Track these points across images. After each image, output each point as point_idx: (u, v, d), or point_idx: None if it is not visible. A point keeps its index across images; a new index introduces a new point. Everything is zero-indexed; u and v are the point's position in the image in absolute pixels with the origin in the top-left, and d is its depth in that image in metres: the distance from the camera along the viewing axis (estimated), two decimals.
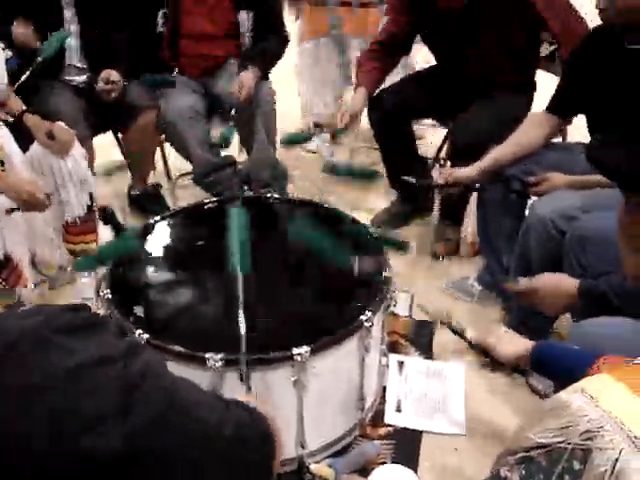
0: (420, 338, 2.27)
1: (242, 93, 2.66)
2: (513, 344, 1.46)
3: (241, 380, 1.50)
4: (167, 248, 1.99)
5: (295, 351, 1.52)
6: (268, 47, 2.86)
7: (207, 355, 1.50)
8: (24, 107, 2.34)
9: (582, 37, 2.11)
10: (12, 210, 2.09)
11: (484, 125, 2.45)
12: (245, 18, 2.84)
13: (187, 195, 3.08)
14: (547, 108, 2.19)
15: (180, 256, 1.95)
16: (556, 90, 2.18)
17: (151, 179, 3.08)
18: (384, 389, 2.01)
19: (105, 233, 2.68)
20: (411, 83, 2.81)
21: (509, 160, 2.18)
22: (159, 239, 2.01)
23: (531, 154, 2.17)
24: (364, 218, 2.60)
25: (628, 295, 1.48)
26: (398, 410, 1.97)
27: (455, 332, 1.70)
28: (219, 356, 1.50)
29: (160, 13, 2.80)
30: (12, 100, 2.33)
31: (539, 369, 1.43)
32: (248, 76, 2.71)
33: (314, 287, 1.84)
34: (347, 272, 1.81)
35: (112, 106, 2.70)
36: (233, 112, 2.77)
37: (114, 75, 2.64)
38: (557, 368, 1.34)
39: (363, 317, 1.64)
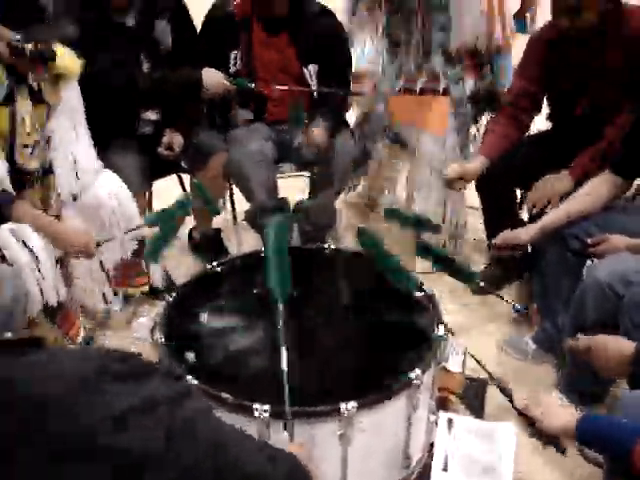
0: (471, 396, 2.24)
1: (315, 143, 2.76)
2: (559, 416, 1.43)
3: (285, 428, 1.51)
4: (222, 295, 2.02)
5: (342, 405, 1.53)
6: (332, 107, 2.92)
7: (255, 405, 1.52)
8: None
9: None
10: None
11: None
12: (311, 71, 2.92)
13: (251, 240, 3.15)
14: (611, 168, 2.17)
15: (235, 303, 1.98)
16: (622, 150, 2.16)
17: (216, 223, 3.16)
18: (432, 445, 1.99)
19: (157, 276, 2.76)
20: (522, 148, 2.68)
21: (569, 220, 2.16)
22: (216, 285, 2.06)
23: (592, 214, 2.15)
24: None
25: None
26: (444, 469, 1.94)
27: (504, 393, 1.68)
28: (266, 407, 1.51)
29: (232, 54, 2.88)
30: None
31: (585, 442, 1.39)
32: (319, 129, 2.78)
33: (364, 339, 1.84)
34: (399, 325, 1.82)
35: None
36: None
37: (176, 141, 2.73)
38: (603, 441, 1.30)
39: (412, 375, 1.64)
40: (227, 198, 3.16)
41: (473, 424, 2.12)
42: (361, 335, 1.87)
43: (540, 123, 2.80)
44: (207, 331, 1.87)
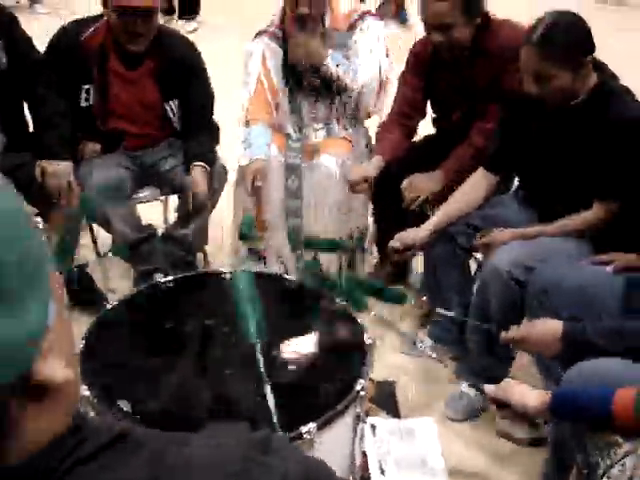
0: (383, 398, 2.29)
1: (198, 199, 2.67)
2: (532, 397, 1.52)
3: None
4: (135, 335, 1.90)
5: (303, 429, 1.50)
6: (202, 146, 2.81)
7: None
8: None
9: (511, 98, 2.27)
10: None
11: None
12: (172, 106, 2.81)
13: (118, 270, 3.02)
14: (484, 166, 2.33)
15: (150, 340, 1.87)
16: (490, 149, 2.33)
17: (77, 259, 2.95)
18: (364, 454, 2.01)
19: None
20: (411, 152, 2.76)
21: (456, 218, 2.29)
22: (122, 326, 1.93)
23: (474, 210, 2.30)
24: None
25: (613, 335, 1.59)
26: (382, 473, 1.97)
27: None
28: None
29: (83, 88, 2.68)
30: None
31: (560, 416, 1.49)
32: (198, 180, 2.67)
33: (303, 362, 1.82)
34: (330, 343, 1.82)
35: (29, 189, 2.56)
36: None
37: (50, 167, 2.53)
38: (578, 411, 1.41)
39: (358, 387, 1.64)
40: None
41: (394, 425, 2.18)
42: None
43: (427, 128, 2.92)
44: (131, 374, 1.74)
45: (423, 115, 2.81)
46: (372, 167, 2.64)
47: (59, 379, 0.49)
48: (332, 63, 2.74)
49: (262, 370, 1.58)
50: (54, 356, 0.49)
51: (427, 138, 2.89)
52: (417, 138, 2.89)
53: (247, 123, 2.89)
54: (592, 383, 1.47)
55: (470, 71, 2.50)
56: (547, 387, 1.98)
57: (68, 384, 0.49)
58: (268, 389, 1.52)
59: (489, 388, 1.65)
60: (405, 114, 2.71)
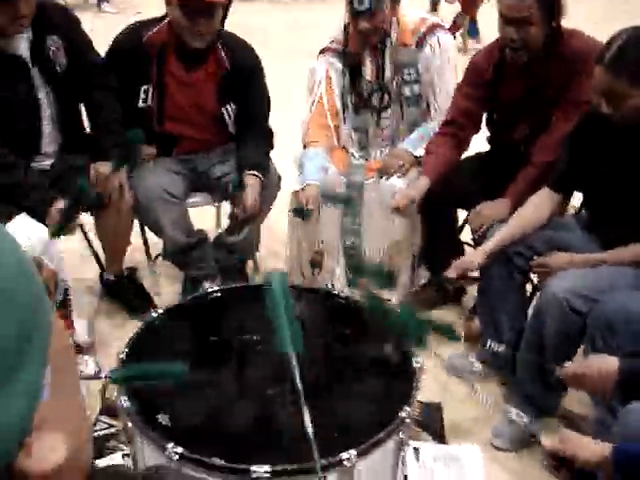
0: (430, 421, 2.22)
1: (249, 208, 2.66)
2: (593, 451, 1.43)
3: None
4: (179, 346, 1.88)
5: (344, 456, 1.45)
6: (256, 153, 2.79)
7: (252, 467, 1.41)
8: None
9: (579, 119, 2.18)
10: None
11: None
12: (229, 110, 2.79)
13: (169, 274, 3.01)
14: (548, 185, 2.24)
15: (196, 353, 1.85)
16: (556, 168, 2.24)
17: (129, 258, 2.97)
18: (405, 477, 1.95)
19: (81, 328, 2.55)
20: (462, 168, 2.68)
21: (515, 240, 2.21)
22: (167, 336, 1.91)
23: (534, 232, 2.22)
24: None
25: None
26: None
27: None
28: (265, 468, 1.41)
29: (142, 89, 2.69)
30: None
31: (624, 473, 1.40)
32: (250, 189, 2.65)
33: (346, 385, 1.76)
34: (378, 366, 1.77)
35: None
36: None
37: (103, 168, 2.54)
38: None
39: (403, 414, 1.58)
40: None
41: (439, 450, 2.11)
42: (338, 376, 1.79)
43: (479, 144, 2.82)
44: (172, 388, 1.72)
45: (477, 129, 2.71)
46: (418, 189, 2.56)
47: (46, 467, 0.41)
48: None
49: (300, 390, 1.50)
50: (45, 438, 0.42)
51: (481, 156, 2.80)
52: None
53: (305, 146, 2.88)
54: None
55: (545, 72, 2.40)
56: (600, 420, 1.89)
57: (70, 461, 0.43)
58: (306, 414, 1.45)
59: (549, 443, 1.56)
60: (458, 124, 2.62)
